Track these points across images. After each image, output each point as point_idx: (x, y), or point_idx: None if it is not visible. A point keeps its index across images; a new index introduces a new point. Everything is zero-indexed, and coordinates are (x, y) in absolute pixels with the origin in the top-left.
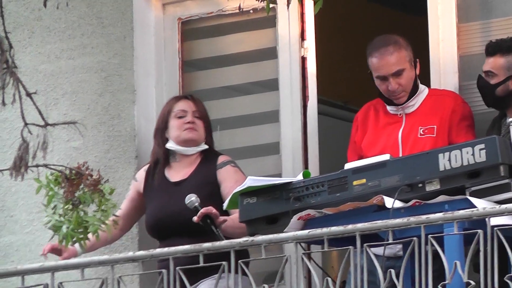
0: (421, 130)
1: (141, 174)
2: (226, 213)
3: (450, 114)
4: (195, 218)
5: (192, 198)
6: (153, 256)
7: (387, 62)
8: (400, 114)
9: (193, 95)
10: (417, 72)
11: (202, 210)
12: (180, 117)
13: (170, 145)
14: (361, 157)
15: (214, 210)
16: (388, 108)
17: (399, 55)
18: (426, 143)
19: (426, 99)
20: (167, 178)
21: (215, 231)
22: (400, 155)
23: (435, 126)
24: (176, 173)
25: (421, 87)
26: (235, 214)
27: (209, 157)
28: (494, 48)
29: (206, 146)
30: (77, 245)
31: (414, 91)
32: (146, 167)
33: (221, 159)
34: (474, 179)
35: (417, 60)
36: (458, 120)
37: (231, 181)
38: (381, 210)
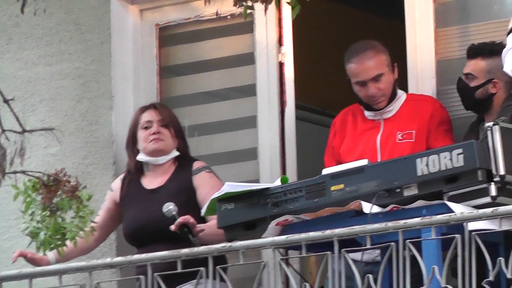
0: (400, 135)
1: (117, 184)
2: (203, 219)
3: (429, 119)
4: (172, 227)
5: (170, 207)
6: (131, 262)
7: (366, 67)
8: (378, 120)
9: (158, 104)
10: (396, 76)
11: (180, 219)
12: (146, 128)
13: (141, 157)
14: (339, 163)
15: (192, 220)
16: (366, 113)
17: (378, 60)
18: (404, 148)
19: (404, 104)
20: (143, 186)
21: (192, 240)
22: (379, 160)
23: (414, 131)
24: (151, 181)
25: (399, 92)
26: (212, 221)
27: (184, 164)
28: (476, 51)
29: (177, 153)
30: (50, 254)
31: (393, 95)
32: (121, 176)
33: (196, 165)
34: (452, 184)
35: (395, 64)
36: (436, 125)
37: (207, 187)
38: (359, 216)
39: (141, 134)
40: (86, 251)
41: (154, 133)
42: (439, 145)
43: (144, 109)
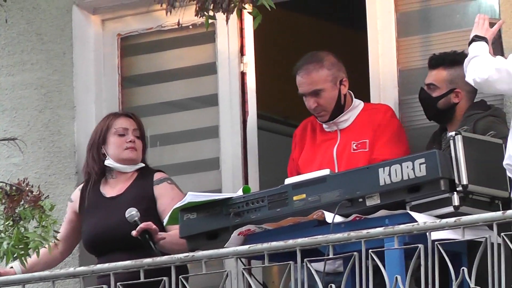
0: (354, 145)
1: (76, 194)
2: (163, 228)
3: (377, 126)
4: (133, 232)
5: (132, 212)
6: (94, 272)
7: (305, 81)
8: (334, 130)
9: (133, 113)
10: (344, 91)
11: (142, 225)
12: (121, 135)
13: (109, 162)
14: (299, 174)
15: (153, 226)
16: (323, 125)
17: (318, 75)
18: (359, 158)
19: (360, 114)
20: (103, 194)
21: (153, 247)
22: (336, 171)
23: (367, 141)
24: (111, 189)
25: (356, 102)
26: (174, 231)
27: (145, 173)
28: (437, 61)
29: (142, 164)
30: (16, 267)
31: (337, 110)
32: (80, 186)
33: (157, 175)
34: (414, 193)
35: (344, 79)
36: (380, 134)
37: (168, 198)
38: (322, 225)
39: (115, 139)
40: (52, 264)
41: (130, 141)
42: (375, 154)
43: (118, 115)
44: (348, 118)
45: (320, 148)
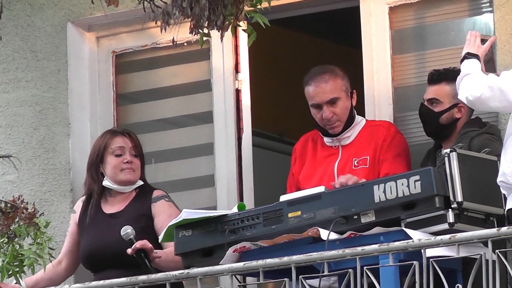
0: (356, 161)
1: (78, 205)
2: (160, 246)
3: (381, 143)
4: (129, 250)
5: (127, 230)
6: None
7: (322, 90)
8: (336, 146)
9: (129, 131)
10: (354, 103)
11: (137, 244)
12: (118, 155)
13: (107, 183)
14: (298, 189)
15: (149, 245)
16: (325, 140)
17: (335, 84)
18: (360, 175)
19: (362, 131)
20: (102, 210)
21: (148, 265)
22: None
23: (368, 157)
24: (111, 206)
25: (358, 118)
26: (169, 248)
27: (144, 191)
28: (440, 76)
29: (141, 183)
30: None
31: (349, 122)
32: (83, 198)
33: (156, 193)
34: (409, 210)
35: (354, 91)
36: (386, 149)
37: (165, 215)
38: (317, 242)
39: (112, 160)
40: (57, 280)
41: (127, 162)
42: (383, 169)
43: (115, 134)
44: (350, 134)
45: (321, 163)
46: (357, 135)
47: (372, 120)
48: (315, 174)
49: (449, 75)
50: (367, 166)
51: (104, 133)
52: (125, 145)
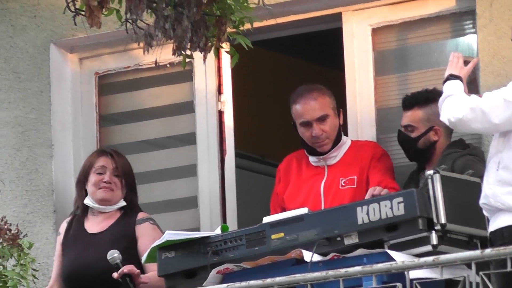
0: (342, 181)
1: (63, 226)
2: (142, 266)
3: (369, 162)
4: (115, 275)
5: (114, 255)
6: None
7: (312, 107)
8: (322, 166)
9: (116, 152)
10: (341, 121)
11: (124, 269)
12: (99, 173)
13: (87, 201)
14: (283, 209)
15: (136, 270)
16: (311, 159)
17: (323, 101)
18: (346, 195)
19: (348, 151)
20: (85, 229)
21: None
22: (322, 207)
23: (355, 177)
24: (95, 225)
25: (344, 138)
26: (154, 272)
27: (129, 212)
28: (411, 101)
29: (123, 204)
30: None
31: (337, 140)
32: (68, 219)
33: (140, 215)
34: (392, 232)
35: (341, 110)
36: (375, 163)
37: (148, 238)
38: (300, 264)
39: (93, 178)
40: None
41: (105, 182)
42: (377, 180)
43: (101, 153)
44: (336, 154)
45: (306, 183)
46: (343, 155)
47: (357, 140)
48: (300, 194)
49: (420, 99)
50: (355, 186)
51: (92, 152)
52: (106, 165)
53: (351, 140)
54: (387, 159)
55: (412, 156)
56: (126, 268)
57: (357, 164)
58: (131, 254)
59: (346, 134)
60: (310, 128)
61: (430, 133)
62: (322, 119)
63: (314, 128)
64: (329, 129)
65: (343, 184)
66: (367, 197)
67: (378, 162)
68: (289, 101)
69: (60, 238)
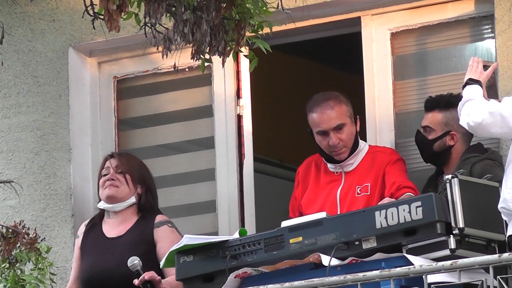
0: (358, 189)
1: (81, 229)
2: (161, 271)
3: (384, 167)
4: (136, 282)
5: (135, 261)
6: None
7: (328, 117)
8: (338, 173)
9: (118, 152)
10: (357, 128)
11: (145, 276)
12: (104, 175)
13: (100, 204)
14: (301, 214)
15: (157, 277)
16: (329, 165)
17: (340, 110)
18: (362, 202)
19: (365, 157)
20: (104, 233)
21: None
22: (338, 213)
23: (369, 184)
24: (112, 229)
25: (361, 144)
26: (173, 277)
27: (147, 215)
28: (432, 104)
29: (133, 200)
30: None
31: (354, 147)
32: (86, 222)
33: (158, 218)
34: (410, 236)
35: (357, 116)
36: (390, 167)
37: (167, 241)
38: (318, 268)
39: (100, 181)
40: None
41: (108, 179)
42: (392, 180)
43: (105, 158)
44: (354, 161)
45: (324, 189)
46: (360, 161)
47: (375, 146)
48: (317, 200)
49: (441, 103)
50: (368, 193)
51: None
52: (109, 165)
53: (369, 146)
54: (401, 163)
55: (426, 157)
56: (147, 275)
57: (372, 171)
58: (150, 258)
59: (364, 139)
60: (327, 137)
61: (447, 137)
62: (339, 128)
63: (331, 137)
64: (346, 137)
65: (359, 192)
66: None
67: (392, 166)
68: (306, 108)
69: (78, 241)
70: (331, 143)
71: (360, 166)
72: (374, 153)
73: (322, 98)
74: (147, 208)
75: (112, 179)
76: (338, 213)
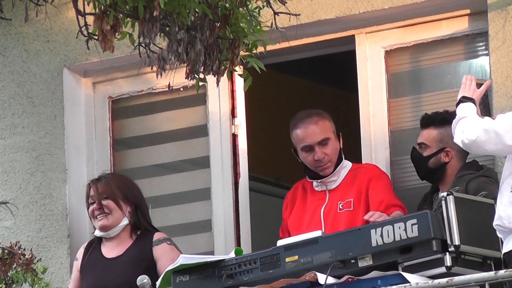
0: (340, 205)
1: (80, 252)
2: None
3: (367, 182)
4: None
5: (144, 280)
6: None
7: (313, 131)
8: (322, 191)
9: (98, 178)
10: (341, 145)
11: None
12: (91, 203)
13: (96, 232)
14: (289, 235)
15: None
16: (314, 184)
17: (324, 125)
18: (344, 218)
19: (348, 174)
20: (103, 254)
21: None
22: (322, 231)
23: (352, 200)
24: (111, 250)
25: (345, 162)
26: None
27: (144, 233)
28: (428, 121)
29: (125, 223)
30: None
31: (339, 163)
32: (85, 244)
33: (157, 236)
34: (406, 254)
35: (340, 134)
36: (374, 183)
37: (168, 259)
38: (314, 287)
39: (89, 210)
40: None
41: (97, 209)
42: (379, 198)
43: (90, 184)
44: (336, 178)
45: (309, 208)
46: (343, 178)
47: (357, 164)
48: (303, 220)
49: (437, 120)
50: (351, 209)
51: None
52: (93, 193)
53: (352, 164)
54: (385, 178)
55: (422, 174)
56: None
57: (354, 187)
58: (150, 276)
59: (359, 156)
60: (312, 152)
61: (441, 154)
62: (323, 142)
63: (317, 151)
64: (331, 152)
65: (341, 208)
66: (365, 217)
67: (376, 182)
68: (289, 127)
69: (77, 264)
70: (316, 158)
71: (343, 183)
72: (356, 169)
73: (305, 114)
74: (141, 225)
75: (101, 208)
76: (323, 230)
